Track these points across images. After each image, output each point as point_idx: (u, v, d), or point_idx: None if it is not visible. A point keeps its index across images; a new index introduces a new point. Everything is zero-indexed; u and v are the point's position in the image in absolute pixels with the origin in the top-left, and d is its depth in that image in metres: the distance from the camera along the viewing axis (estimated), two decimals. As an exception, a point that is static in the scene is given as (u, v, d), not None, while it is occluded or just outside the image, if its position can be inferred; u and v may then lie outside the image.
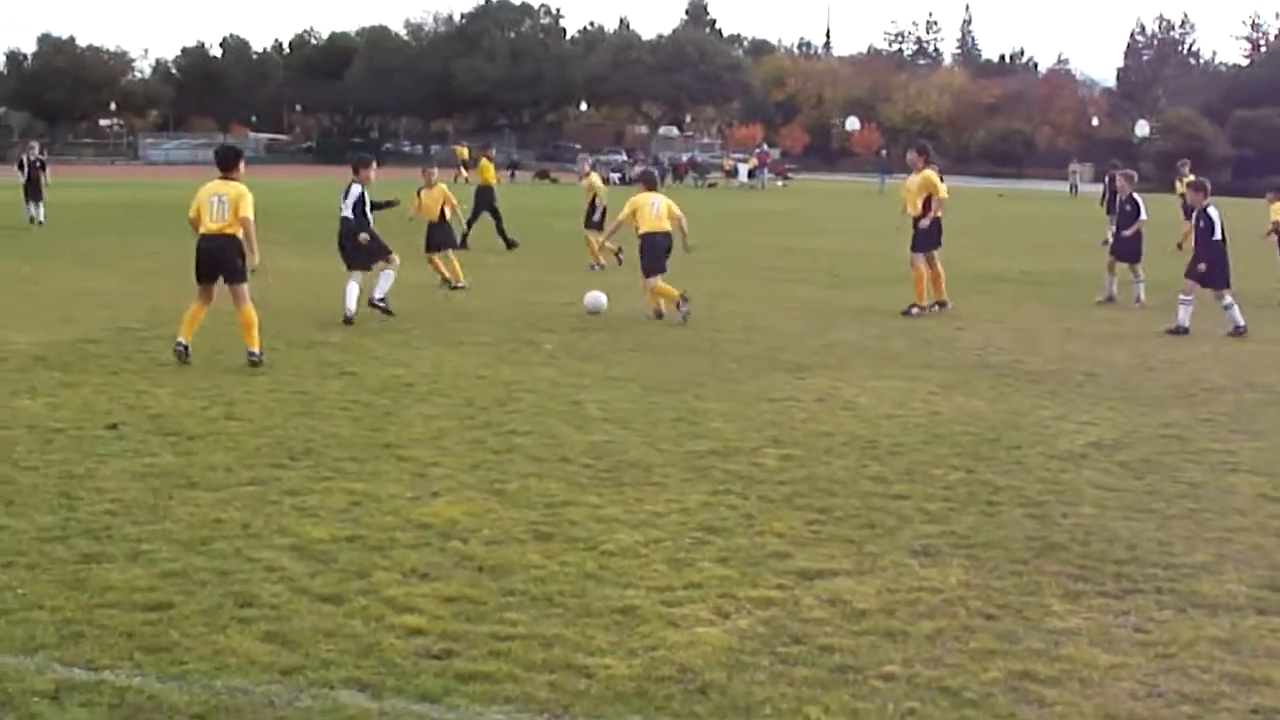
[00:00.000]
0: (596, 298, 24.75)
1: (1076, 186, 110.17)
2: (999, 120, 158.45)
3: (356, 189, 23.79)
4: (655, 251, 24.87)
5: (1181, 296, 24.05)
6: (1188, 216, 27.66)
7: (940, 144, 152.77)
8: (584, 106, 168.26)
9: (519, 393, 16.77)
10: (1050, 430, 15.25)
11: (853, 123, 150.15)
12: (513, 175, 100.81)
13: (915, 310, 25.68)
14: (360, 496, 11.81)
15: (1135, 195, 25.68)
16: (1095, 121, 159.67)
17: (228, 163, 19.51)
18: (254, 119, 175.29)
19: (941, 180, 26.75)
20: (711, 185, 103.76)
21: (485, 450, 13.64)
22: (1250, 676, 8.21)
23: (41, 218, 47.19)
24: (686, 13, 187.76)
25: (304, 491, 11.96)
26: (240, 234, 18.78)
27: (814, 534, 10.95)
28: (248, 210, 18.84)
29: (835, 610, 9.14)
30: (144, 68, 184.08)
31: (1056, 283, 32.09)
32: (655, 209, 25.05)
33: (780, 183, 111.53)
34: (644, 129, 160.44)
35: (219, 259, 18.97)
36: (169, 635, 8.47)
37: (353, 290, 23.41)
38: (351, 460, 13.14)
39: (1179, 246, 30.17)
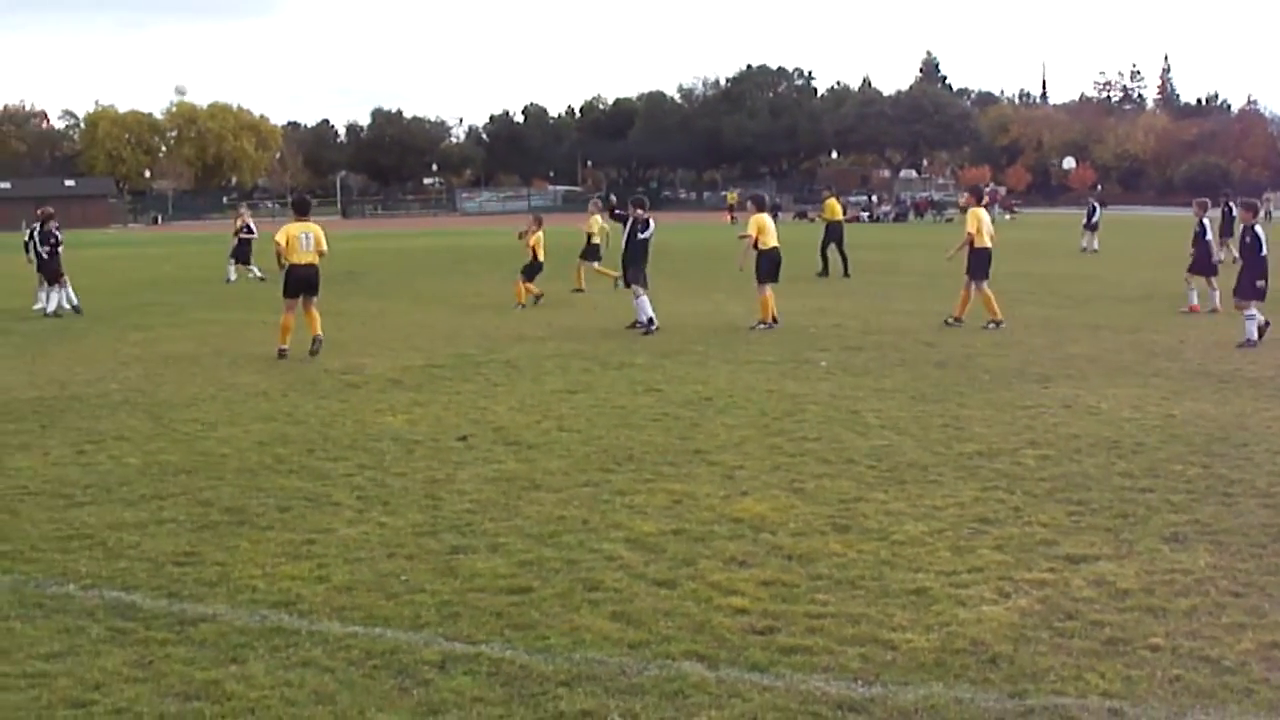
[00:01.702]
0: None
1: (1270, 214, 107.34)
2: (1198, 156, 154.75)
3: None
4: (773, 264, 26.14)
5: (1245, 314, 22.76)
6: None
7: (1147, 178, 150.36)
8: (834, 154, 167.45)
9: (804, 404, 16.74)
10: (1273, 430, 14.87)
11: (1069, 162, 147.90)
12: (775, 216, 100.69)
13: (952, 320, 26.19)
14: (680, 495, 11.91)
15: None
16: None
17: (304, 209, 23.31)
18: (552, 174, 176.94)
19: (989, 219, 27.09)
20: (949, 220, 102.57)
21: (782, 454, 13.66)
22: None
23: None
24: (920, 70, 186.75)
25: (631, 492, 12.09)
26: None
27: (1075, 524, 10.84)
28: (324, 245, 22.52)
29: (1101, 590, 9.05)
30: (459, 133, 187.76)
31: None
32: (773, 228, 26.44)
33: (1008, 217, 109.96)
34: (886, 172, 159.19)
35: (311, 282, 22.47)
36: (531, 615, 8.64)
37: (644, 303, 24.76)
38: (668, 464, 13.26)
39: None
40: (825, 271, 40.17)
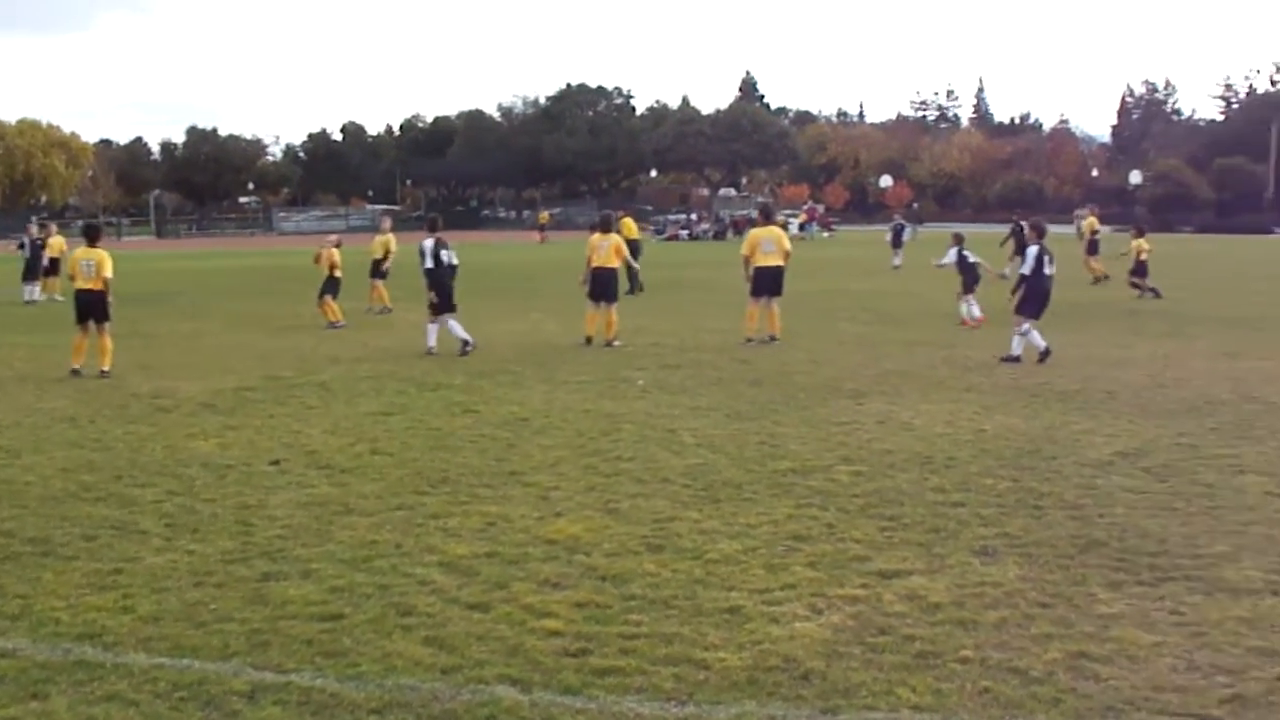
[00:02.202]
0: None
1: (1081, 229, 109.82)
2: (1012, 173, 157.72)
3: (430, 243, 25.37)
4: (601, 283, 26.70)
5: (1021, 328, 23.28)
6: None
7: (963, 195, 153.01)
8: (653, 173, 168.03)
9: (620, 424, 16.76)
10: (1081, 442, 15.20)
11: (886, 180, 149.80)
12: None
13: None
14: (494, 518, 11.84)
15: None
16: (1095, 172, 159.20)
17: (92, 236, 23.27)
18: (370, 193, 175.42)
19: (784, 236, 28.16)
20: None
21: (597, 475, 13.65)
22: (1273, 649, 8.24)
23: (38, 297, 41.84)
24: (739, 89, 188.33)
25: (445, 515, 12.01)
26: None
27: (887, 539, 10.96)
28: (108, 271, 22.46)
29: (913, 604, 9.16)
30: (276, 152, 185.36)
31: (1068, 314, 31.82)
32: (603, 249, 26.75)
33: (826, 234, 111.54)
34: (705, 191, 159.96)
35: (93, 308, 22.49)
36: (342, 641, 8.54)
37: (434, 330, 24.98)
38: (483, 486, 13.19)
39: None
40: (632, 290, 40.35)
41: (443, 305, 24.93)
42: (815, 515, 11.78)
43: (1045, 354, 22.90)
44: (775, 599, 9.31)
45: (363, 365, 23.16)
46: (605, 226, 27.75)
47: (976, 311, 30.15)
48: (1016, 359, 22.89)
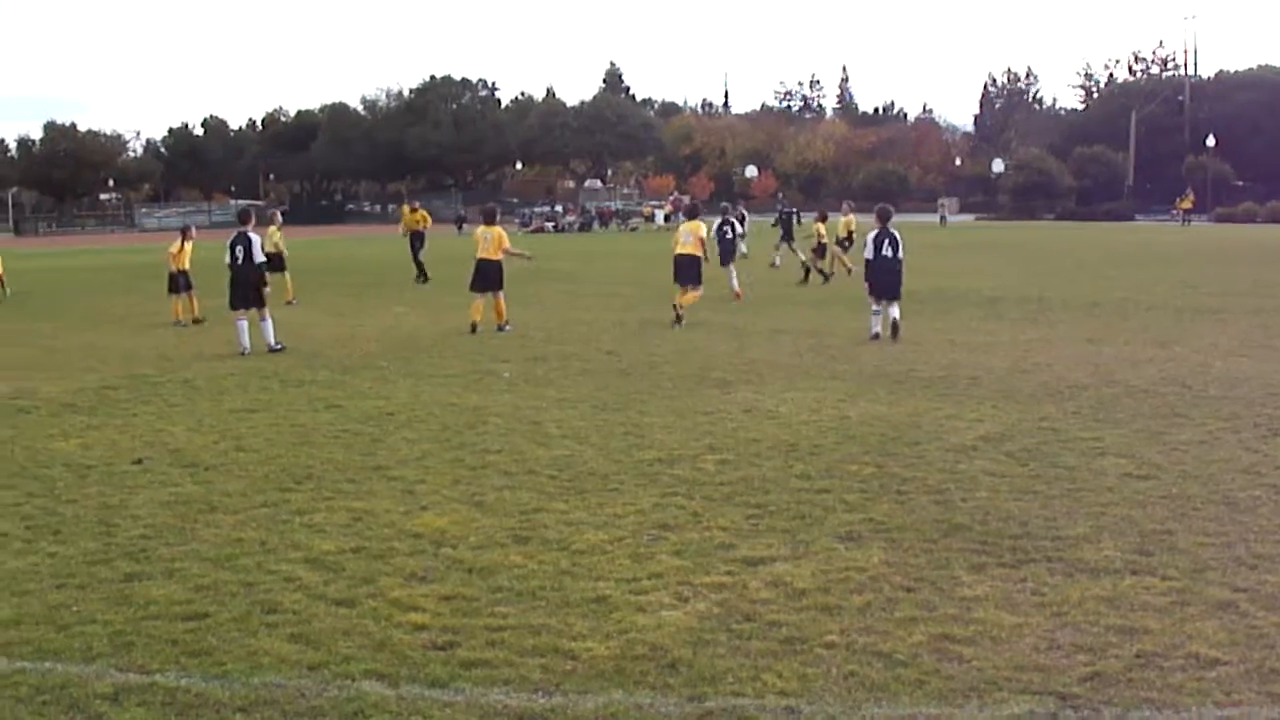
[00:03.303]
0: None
1: (945, 217, 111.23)
2: (876, 163, 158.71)
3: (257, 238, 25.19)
4: (483, 274, 27.59)
5: (874, 307, 24.96)
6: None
7: (827, 185, 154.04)
8: (519, 166, 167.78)
9: (486, 417, 16.75)
10: (944, 427, 15.39)
11: (751, 171, 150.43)
12: (460, 228, 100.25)
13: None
14: (360, 513, 11.81)
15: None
16: (958, 161, 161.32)
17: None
18: (233, 188, 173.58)
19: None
20: (634, 229, 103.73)
21: (463, 468, 13.63)
22: (1131, 627, 8.36)
23: None
24: (604, 81, 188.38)
25: (310, 511, 11.95)
26: None
27: (753, 526, 11.04)
28: None
29: (778, 591, 9.23)
30: (137, 147, 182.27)
31: (933, 300, 32.22)
32: (487, 240, 27.73)
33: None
34: (571, 183, 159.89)
35: None
36: (208, 640, 8.48)
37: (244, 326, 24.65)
38: (348, 482, 13.14)
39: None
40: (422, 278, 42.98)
41: (235, 301, 24.81)
42: (681, 504, 11.84)
43: (875, 337, 24.48)
44: (642, 588, 9.35)
45: (226, 362, 22.96)
46: (489, 219, 28.45)
47: (736, 285, 34.66)
48: (876, 336, 24.44)
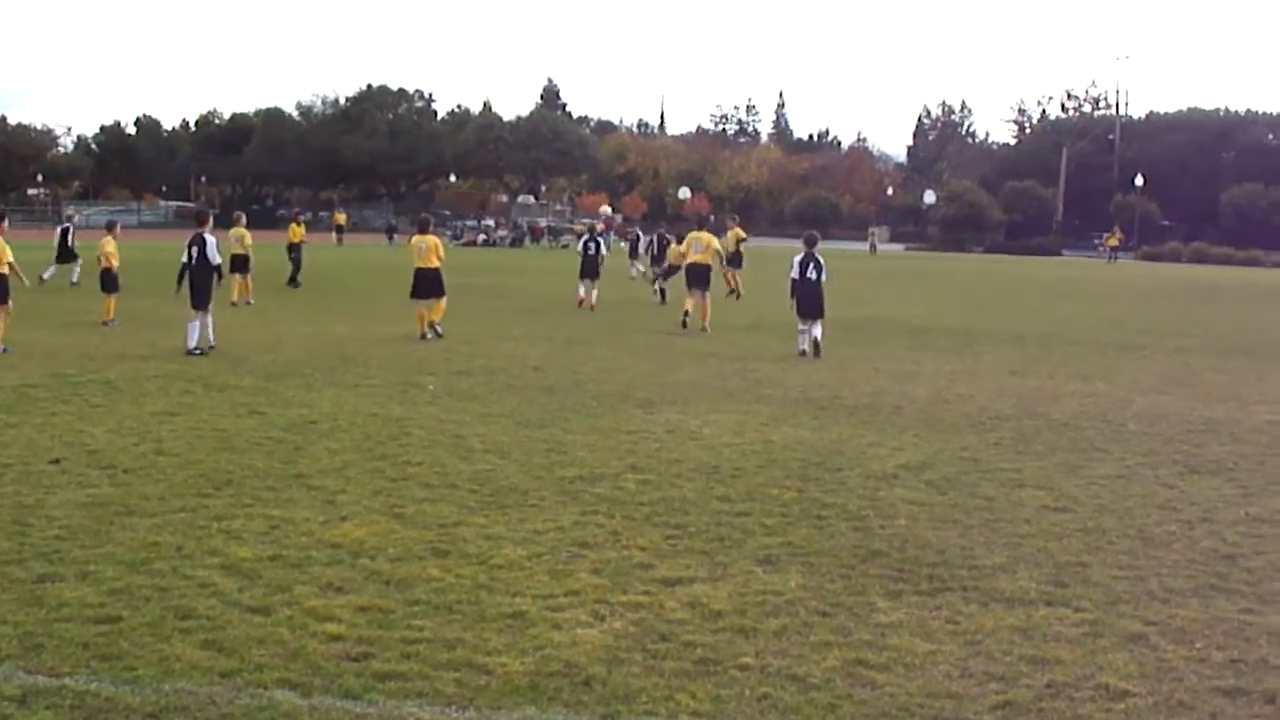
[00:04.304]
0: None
1: (875, 246, 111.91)
2: (809, 189, 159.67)
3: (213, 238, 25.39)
4: (424, 283, 28.66)
5: (799, 327, 26.70)
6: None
7: (760, 209, 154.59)
8: (453, 178, 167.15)
9: (409, 428, 16.69)
10: (866, 455, 15.45)
11: (684, 192, 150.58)
12: (391, 238, 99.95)
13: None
14: (278, 521, 11.73)
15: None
16: (890, 191, 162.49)
17: None
18: (164, 189, 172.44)
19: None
20: (564, 246, 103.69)
21: (384, 479, 13.57)
22: (1044, 658, 8.44)
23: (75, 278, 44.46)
24: (541, 97, 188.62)
25: (229, 517, 11.86)
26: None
27: (672, 547, 11.05)
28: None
29: (695, 612, 9.24)
30: (67, 143, 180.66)
31: (861, 328, 32.41)
32: (423, 249, 28.71)
33: (623, 244, 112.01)
34: (505, 197, 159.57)
35: None
36: (119, 645, 8.40)
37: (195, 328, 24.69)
38: (268, 489, 13.05)
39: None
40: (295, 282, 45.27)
41: (197, 300, 24.80)
42: (601, 522, 11.84)
43: (802, 354, 25.99)
44: (559, 605, 9.34)
45: (150, 363, 22.78)
46: (423, 228, 29.54)
47: (593, 298, 37.53)
48: (803, 353, 26.11)
